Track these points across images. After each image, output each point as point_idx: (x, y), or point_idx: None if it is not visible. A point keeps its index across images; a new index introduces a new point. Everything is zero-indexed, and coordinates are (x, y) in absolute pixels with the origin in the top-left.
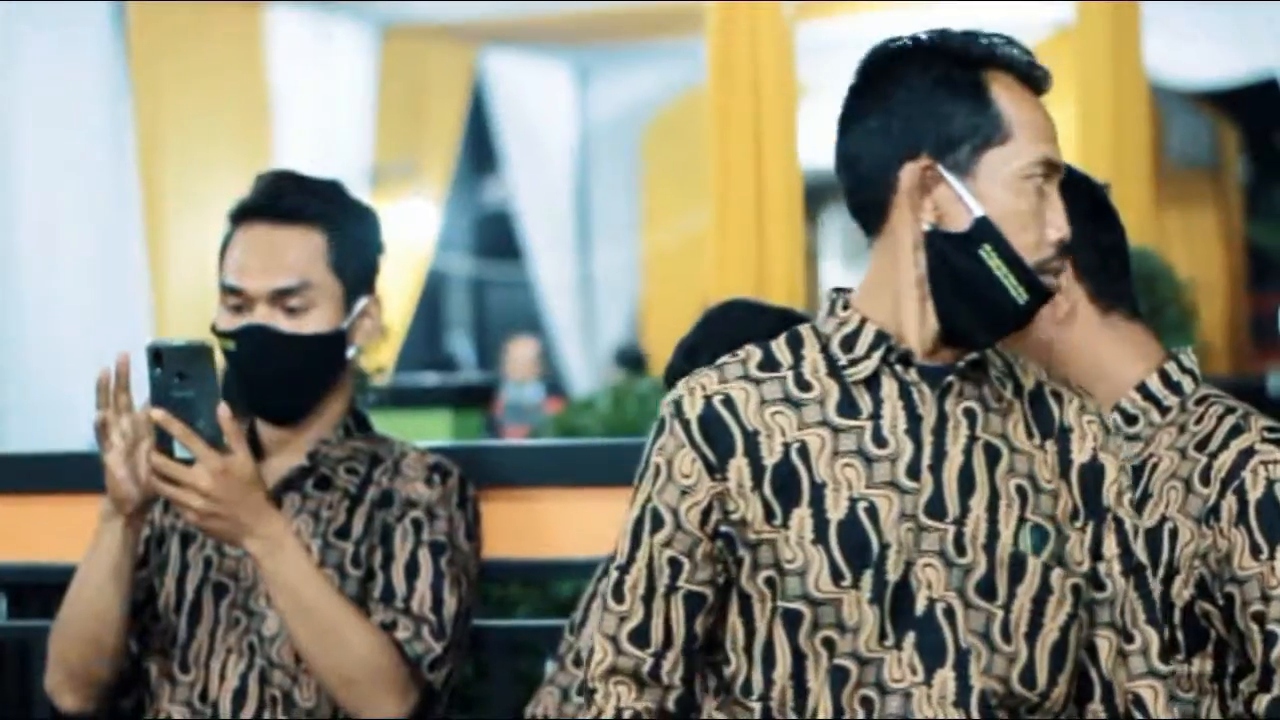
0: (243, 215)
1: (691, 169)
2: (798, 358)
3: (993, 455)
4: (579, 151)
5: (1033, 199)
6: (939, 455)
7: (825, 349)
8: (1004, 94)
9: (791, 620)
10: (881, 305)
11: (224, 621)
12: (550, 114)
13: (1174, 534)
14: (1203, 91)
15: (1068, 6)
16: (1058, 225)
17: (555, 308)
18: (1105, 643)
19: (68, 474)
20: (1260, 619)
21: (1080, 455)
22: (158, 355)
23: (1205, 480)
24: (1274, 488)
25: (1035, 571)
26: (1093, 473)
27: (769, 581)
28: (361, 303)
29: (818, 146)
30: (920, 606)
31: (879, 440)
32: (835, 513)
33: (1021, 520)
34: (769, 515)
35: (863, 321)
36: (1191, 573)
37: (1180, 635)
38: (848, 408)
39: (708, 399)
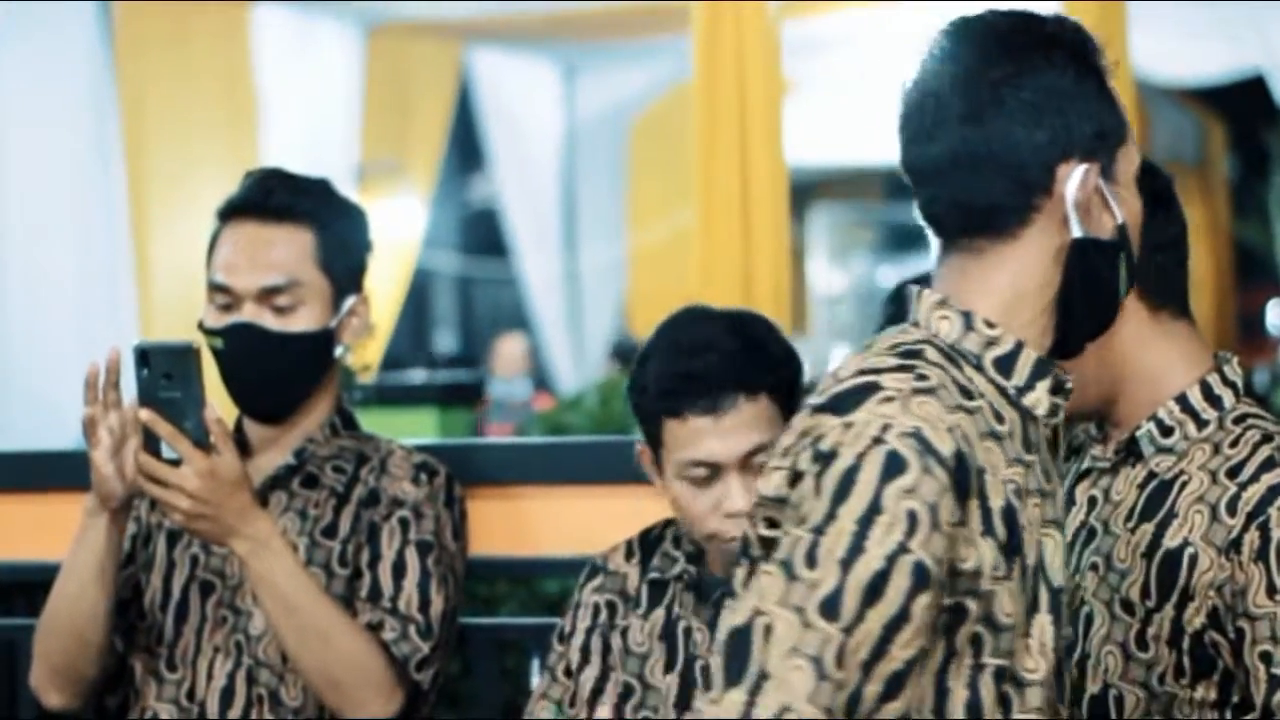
0: (231, 212)
1: (678, 166)
2: (973, 383)
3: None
4: (565, 148)
5: (1142, 201)
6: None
7: (981, 370)
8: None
9: (998, 678)
10: (1022, 321)
11: (210, 620)
12: (536, 111)
13: (1194, 560)
14: (1189, 88)
15: (1053, 5)
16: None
17: (542, 305)
18: None
19: (54, 472)
20: (1267, 659)
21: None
22: (145, 356)
23: (1232, 510)
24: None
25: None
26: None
27: (974, 639)
28: (350, 301)
29: (803, 143)
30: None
31: (1047, 477)
32: (1031, 557)
33: None
34: (995, 565)
35: (1019, 344)
36: (1206, 601)
37: (1187, 661)
38: (1024, 441)
39: (949, 431)
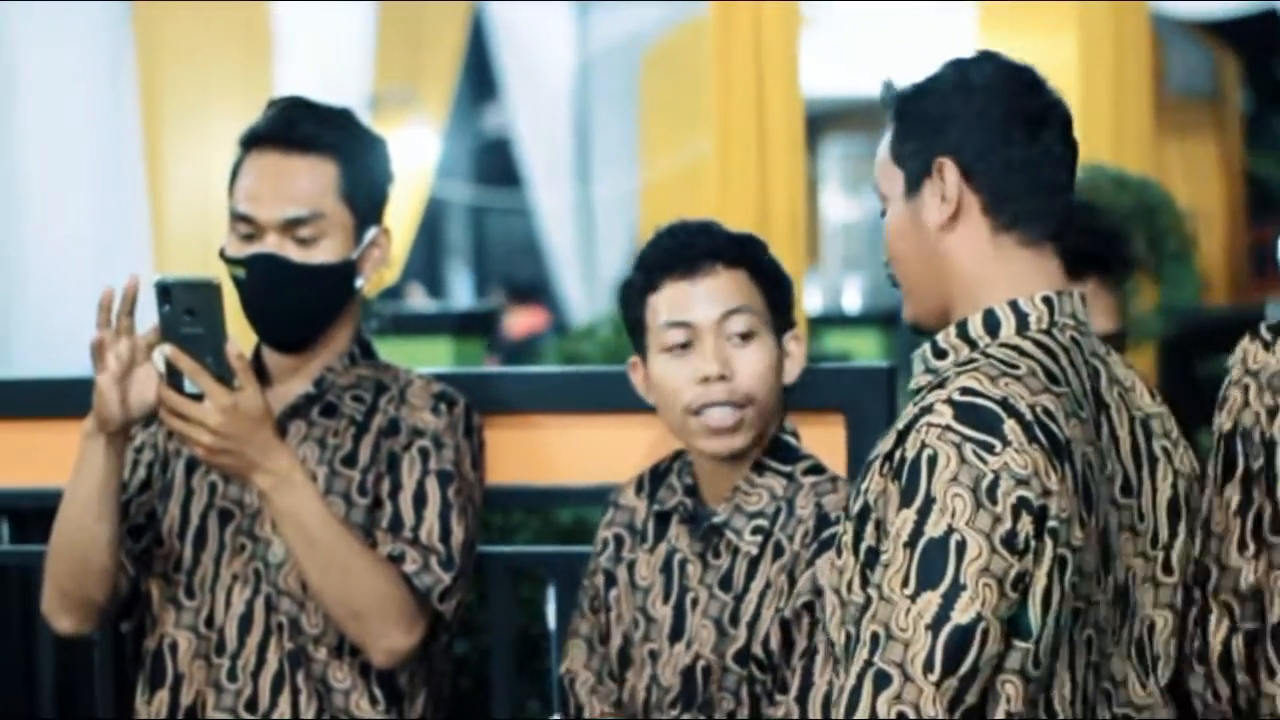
0: (254, 141)
1: (690, 99)
2: None
3: None
4: (578, 79)
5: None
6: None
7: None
8: None
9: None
10: None
11: (229, 547)
12: (550, 41)
13: (868, 470)
14: (1203, 21)
15: None
16: None
17: (555, 235)
18: None
19: (71, 399)
20: (874, 576)
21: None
22: (167, 292)
23: (900, 425)
24: (923, 452)
25: None
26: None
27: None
28: (371, 233)
29: (816, 75)
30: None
31: None
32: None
33: None
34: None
35: None
36: (874, 515)
37: (868, 571)
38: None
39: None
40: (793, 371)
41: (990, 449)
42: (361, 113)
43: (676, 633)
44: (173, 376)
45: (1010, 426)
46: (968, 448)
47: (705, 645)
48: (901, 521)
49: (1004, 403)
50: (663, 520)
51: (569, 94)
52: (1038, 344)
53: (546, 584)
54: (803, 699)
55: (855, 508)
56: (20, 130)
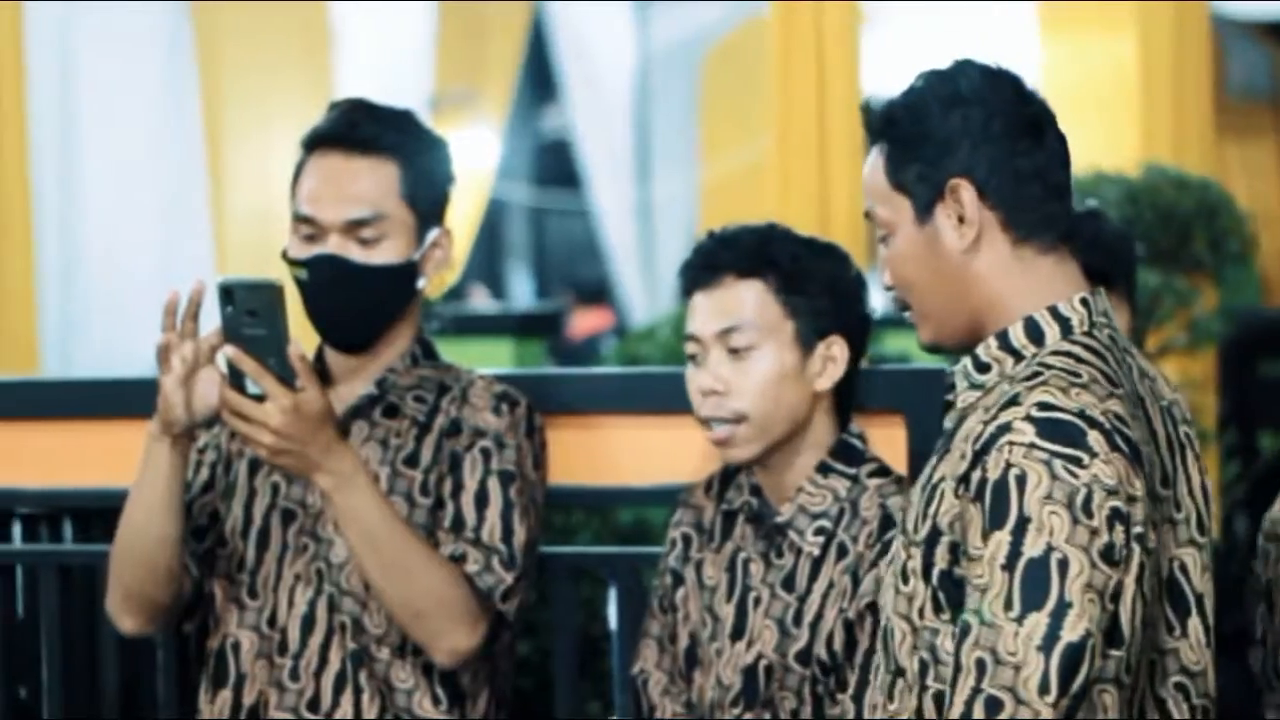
0: (316, 143)
1: (750, 98)
2: None
3: None
4: (638, 79)
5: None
6: None
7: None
8: None
9: None
10: None
11: (292, 548)
12: (609, 42)
13: (941, 496)
14: (1264, 22)
15: None
16: None
17: (615, 236)
18: None
19: (133, 399)
20: (968, 601)
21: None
22: (229, 293)
23: (972, 446)
24: (1009, 472)
25: None
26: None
27: None
28: (433, 234)
29: (876, 75)
30: None
31: None
32: None
33: None
34: None
35: None
36: (949, 537)
37: (943, 597)
38: None
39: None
40: (826, 379)
41: (1079, 463)
42: (422, 114)
43: (738, 631)
44: (235, 377)
45: (1094, 438)
46: (1057, 464)
47: (767, 645)
48: (995, 545)
49: (1082, 414)
50: (729, 520)
51: (629, 94)
52: (1087, 348)
53: (607, 585)
54: (859, 697)
55: (922, 533)
56: (81, 134)
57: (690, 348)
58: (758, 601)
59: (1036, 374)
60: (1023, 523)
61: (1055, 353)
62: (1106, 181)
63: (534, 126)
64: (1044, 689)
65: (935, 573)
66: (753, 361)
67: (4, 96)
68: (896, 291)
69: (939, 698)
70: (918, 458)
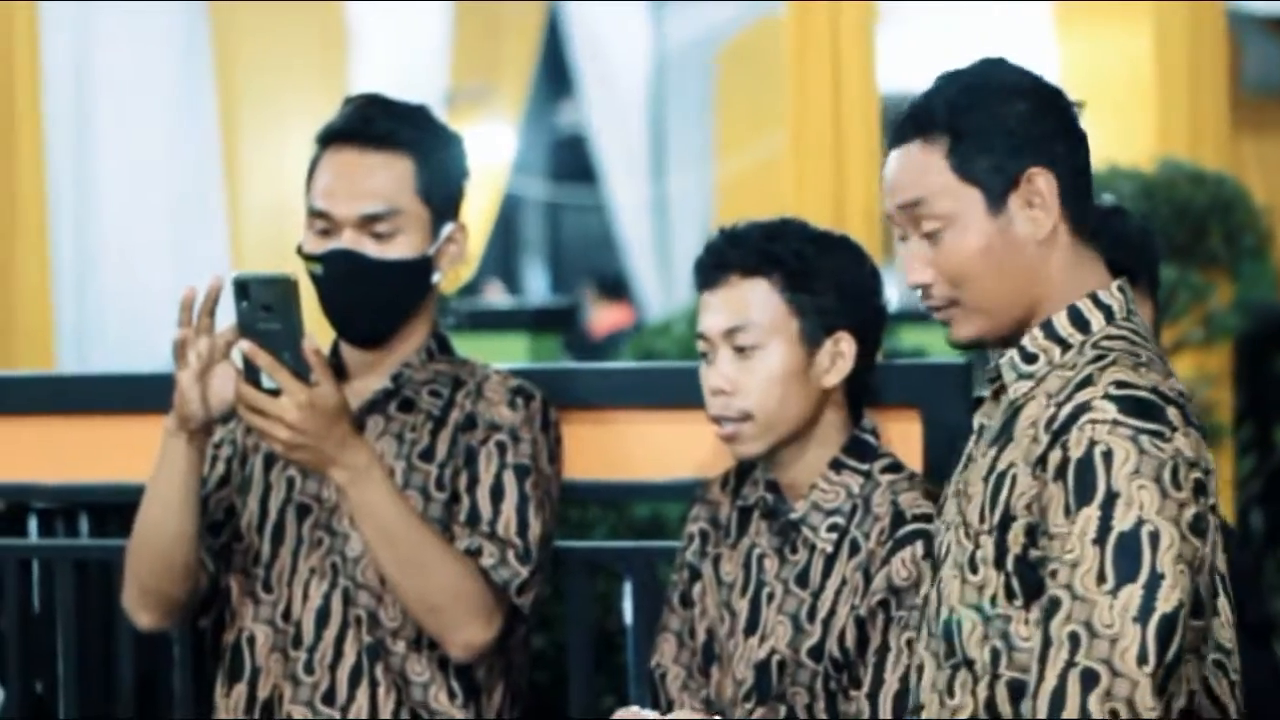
0: (331, 138)
1: (765, 95)
2: None
3: None
4: (654, 75)
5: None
6: None
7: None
8: None
9: None
10: None
11: (307, 542)
12: (625, 37)
13: (1014, 481)
14: None
15: None
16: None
17: (630, 231)
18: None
19: (148, 394)
20: (1054, 577)
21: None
22: (244, 288)
23: (1048, 428)
24: (1094, 449)
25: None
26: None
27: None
28: (447, 229)
29: (891, 71)
30: None
31: None
32: None
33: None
34: None
35: None
36: (1024, 520)
37: (1016, 583)
38: None
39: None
40: (834, 376)
41: (1162, 436)
42: (437, 109)
43: (751, 626)
44: (250, 372)
45: (1172, 413)
46: (1144, 439)
47: (780, 640)
48: (1084, 521)
49: (1155, 391)
50: (745, 515)
51: (644, 90)
52: (1133, 332)
53: (623, 579)
54: (874, 695)
55: (990, 521)
56: (97, 131)
57: (701, 345)
58: (771, 597)
59: (1102, 355)
60: (1111, 497)
61: (1109, 336)
62: (1122, 177)
63: (549, 122)
64: (1142, 659)
65: (1010, 558)
66: (758, 360)
67: (20, 94)
68: (938, 287)
69: (1013, 685)
70: (934, 452)
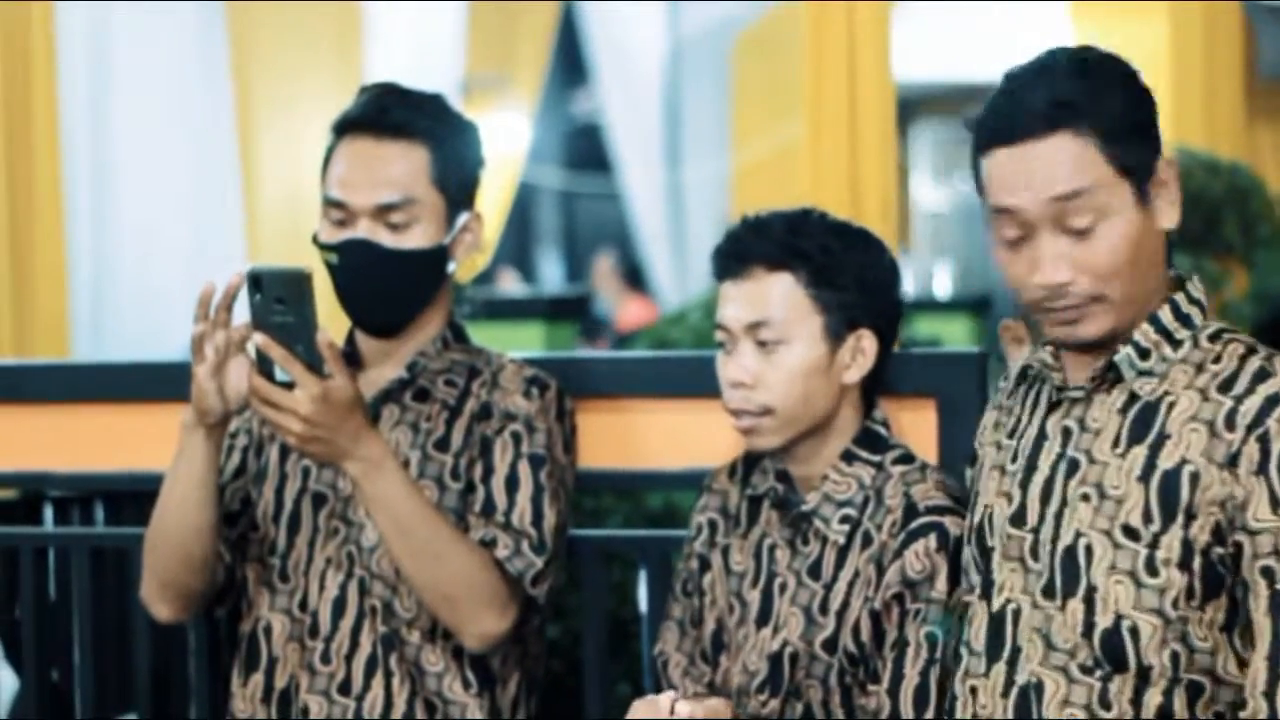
0: (347, 128)
1: (781, 84)
2: None
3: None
4: (669, 64)
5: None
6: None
7: None
8: None
9: None
10: None
11: (323, 531)
12: (641, 26)
13: (1195, 478)
14: None
15: None
16: None
17: (645, 220)
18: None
19: (164, 383)
20: (1268, 575)
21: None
22: (257, 281)
23: (1230, 424)
24: None
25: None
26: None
27: None
28: (463, 218)
29: (907, 60)
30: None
31: None
32: None
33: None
34: None
35: None
36: (1209, 518)
37: (1198, 583)
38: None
39: None
40: (855, 372)
41: None
42: (452, 98)
43: (764, 617)
44: (264, 365)
45: None
46: None
47: (793, 632)
48: None
49: None
50: (755, 505)
51: (660, 79)
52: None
53: (638, 568)
54: (894, 691)
55: (1166, 521)
56: (113, 122)
57: (720, 336)
58: (783, 588)
59: (1251, 347)
60: None
61: (1222, 329)
62: None
63: (565, 110)
64: None
65: (1195, 559)
66: (781, 355)
67: (36, 87)
68: (1079, 284)
69: (1192, 687)
70: (948, 441)
